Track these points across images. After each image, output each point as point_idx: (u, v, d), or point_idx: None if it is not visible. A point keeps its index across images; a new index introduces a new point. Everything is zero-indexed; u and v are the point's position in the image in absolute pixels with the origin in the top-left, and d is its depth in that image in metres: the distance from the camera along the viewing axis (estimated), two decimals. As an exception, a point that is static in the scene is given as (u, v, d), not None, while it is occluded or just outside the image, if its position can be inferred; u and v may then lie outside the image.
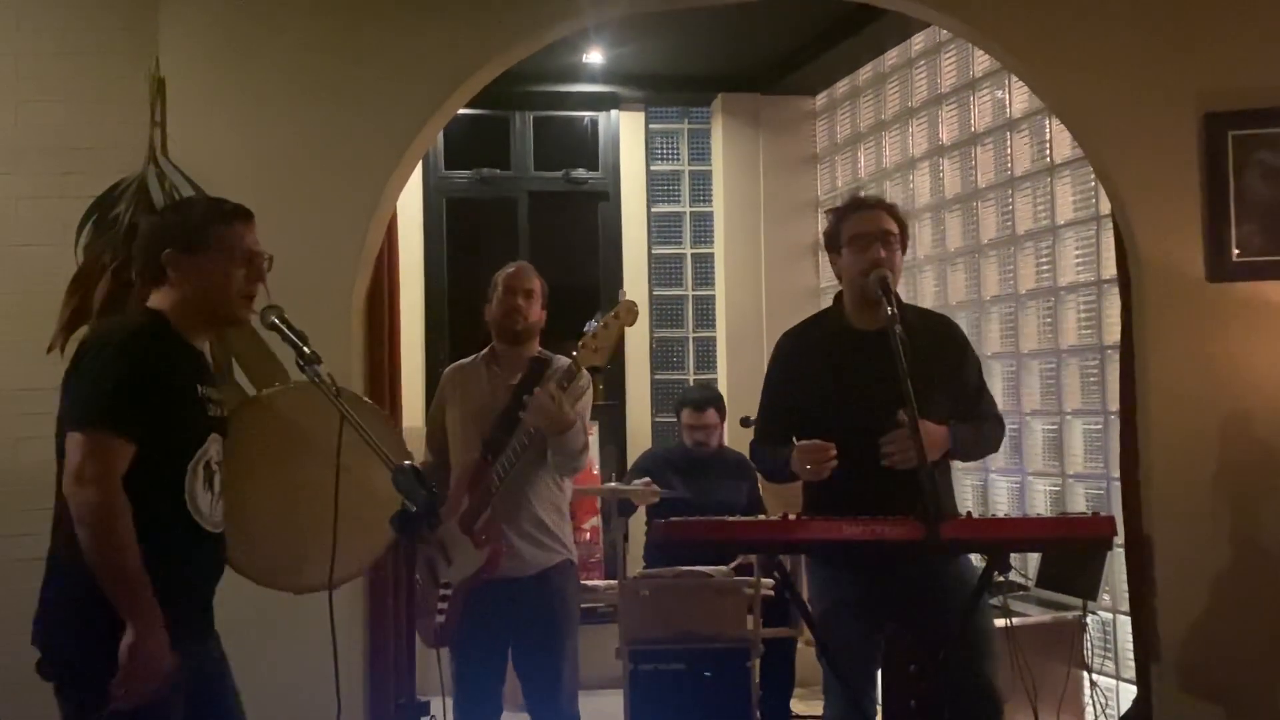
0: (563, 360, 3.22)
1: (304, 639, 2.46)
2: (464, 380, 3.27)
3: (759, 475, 4.81)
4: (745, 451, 4.82)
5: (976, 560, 3.77)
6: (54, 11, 3.79)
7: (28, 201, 3.73)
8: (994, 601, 3.58)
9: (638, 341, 5.81)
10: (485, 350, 3.29)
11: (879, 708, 2.98)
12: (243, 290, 2.25)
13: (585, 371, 3.02)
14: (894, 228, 2.78)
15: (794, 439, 2.75)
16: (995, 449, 2.98)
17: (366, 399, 2.42)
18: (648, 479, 4.45)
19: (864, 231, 2.76)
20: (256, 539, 2.37)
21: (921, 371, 2.53)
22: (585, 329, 3.00)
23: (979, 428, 2.82)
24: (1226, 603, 3.36)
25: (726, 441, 4.90)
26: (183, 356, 2.22)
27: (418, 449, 3.17)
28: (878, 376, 2.59)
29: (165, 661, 2.03)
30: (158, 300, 2.24)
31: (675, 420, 5.01)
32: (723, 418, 4.76)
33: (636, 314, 3.04)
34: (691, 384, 5.72)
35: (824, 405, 2.75)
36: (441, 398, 3.30)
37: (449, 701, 2.76)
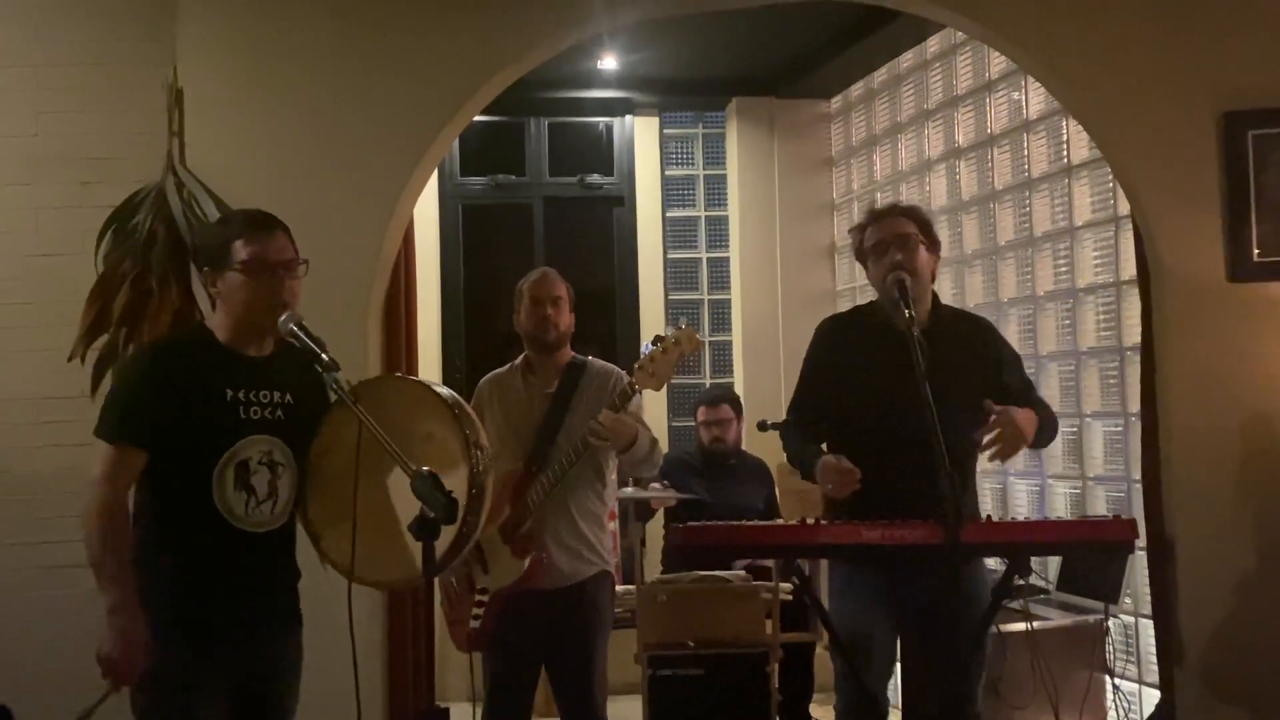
0: (597, 364, 3.23)
1: (323, 643, 2.46)
2: (501, 390, 3.27)
3: (780, 469, 4.83)
4: (764, 452, 4.88)
5: (994, 564, 3.76)
6: (72, 22, 3.81)
7: (47, 211, 3.75)
8: (1014, 605, 3.56)
9: (653, 345, 5.81)
10: (519, 360, 3.30)
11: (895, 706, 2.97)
12: (267, 300, 2.28)
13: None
14: (911, 229, 2.80)
15: (831, 432, 2.77)
16: (1055, 437, 2.98)
17: (443, 390, 2.37)
18: (665, 482, 4.46)
19: (880, 239, 2.80)
20: (342, 530, 2.32)
21: (955, 373, 2.54)
22: (643, 350, 3.01)
23: (1045, 418, 2.82)
24: (1250, 605, 3.34)
25: (744, 445, 4.90)
26: (212, 364, 2.29)
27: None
28: (907, 376, 2.59)
29: (137, 633, 2.17)
30: (215, 313, 2.37)
31: (693, 424, 5.01)
32: (738, 414, 4.78)
33: (698, 344, 3.05)
34: (708, 388, 5.72)
35: (858, 399, 2.77)
36: (478, 407, 3.30)
37: (470, 707, 2.77)
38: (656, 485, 4.51)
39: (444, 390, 2.37)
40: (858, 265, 6.16)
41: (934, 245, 2.85)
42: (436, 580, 3.40)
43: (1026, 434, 2.62)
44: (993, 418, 2.59)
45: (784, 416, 2.98)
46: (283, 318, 2.28)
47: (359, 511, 2.26)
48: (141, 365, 2.35)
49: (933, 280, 2.88)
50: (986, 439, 2.60)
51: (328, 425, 2.35)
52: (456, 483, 2.14)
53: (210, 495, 2.25)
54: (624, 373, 3.16)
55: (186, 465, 2.25)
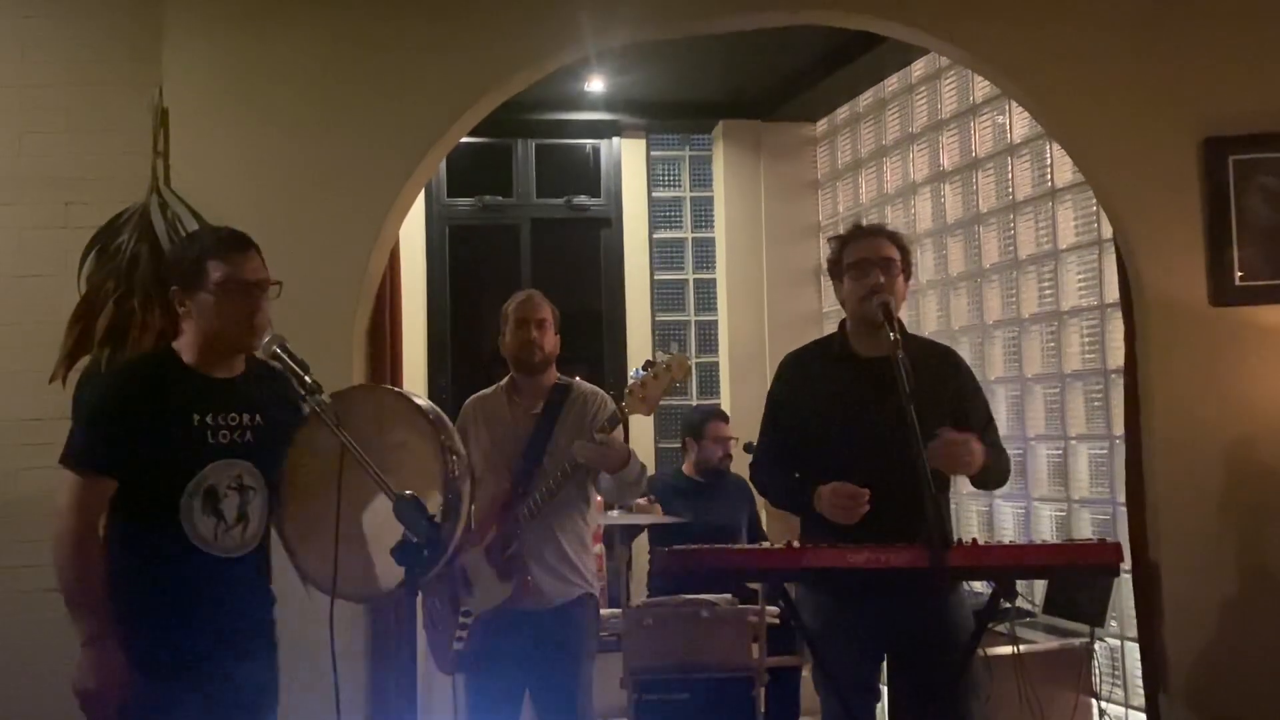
0: (582, 385, 3.23)
1: (304, 665, 2.44)
2: (486, 411, 3.27)
3: (759, 497, 4.82)
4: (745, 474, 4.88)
5: (980, 587, 3.76)
6: (58, 42, 3.80)
7: (30, 231, 3.73)
8: (1000, 628, 3.56)
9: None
10: (505, 381, 3.30)
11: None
12: (242, 320, 2.26)
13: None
14: (894, 254, 2.78)
15: (801, 468, 2.74)
16: (1004, 482, 2.95)
17: (419, 399, 2.39)
18: (652, 496, 4.46)
19: (863, 258, 2.76)
20: (322, 547, 2.30)
21: (925, 401, 2.52)
22: (632, 375, 3.00)
23: (997, 457, 2.80)
24: (1235, 628, 3.34)
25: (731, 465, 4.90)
26: (177, 388, 2.26)
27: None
28: (879, 403, 2.59)
29: (113, 672, 2.15)
30: (183, 334, 2.33)
31: (678, 447, 5.01)
32: None
33: (689, 371, 3.03)
34: (695, 409, 5.71)
35: (825, 431, 2.74)
36: (463, 430, 3.29)
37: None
38: (643, 501, 4.50)
39: (420, 400, 2.37)
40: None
41: (909, 275, 2.82)
42: (419, 601, 3.40)
43: (973, 455, 2.55)
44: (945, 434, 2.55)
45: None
46: (265, 339, 2.26)
47: (336, 526, 2.24)
48: (103, 391, 2.32)
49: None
50: (936, 443, 2.54)
51: (301, 438, 2.33)
52: (430, 491, 2.13)
53: (178, 521, 2.22)
54: (609, 396, 3.16)
55: (154, 492, 2.22)
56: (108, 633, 2.17)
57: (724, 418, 4.84)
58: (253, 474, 2.30)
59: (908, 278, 2.82)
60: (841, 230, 3.09)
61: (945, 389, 2.77)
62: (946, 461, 2.56)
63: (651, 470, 5.55)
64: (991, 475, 2.80)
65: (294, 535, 2.33)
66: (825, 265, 2.93)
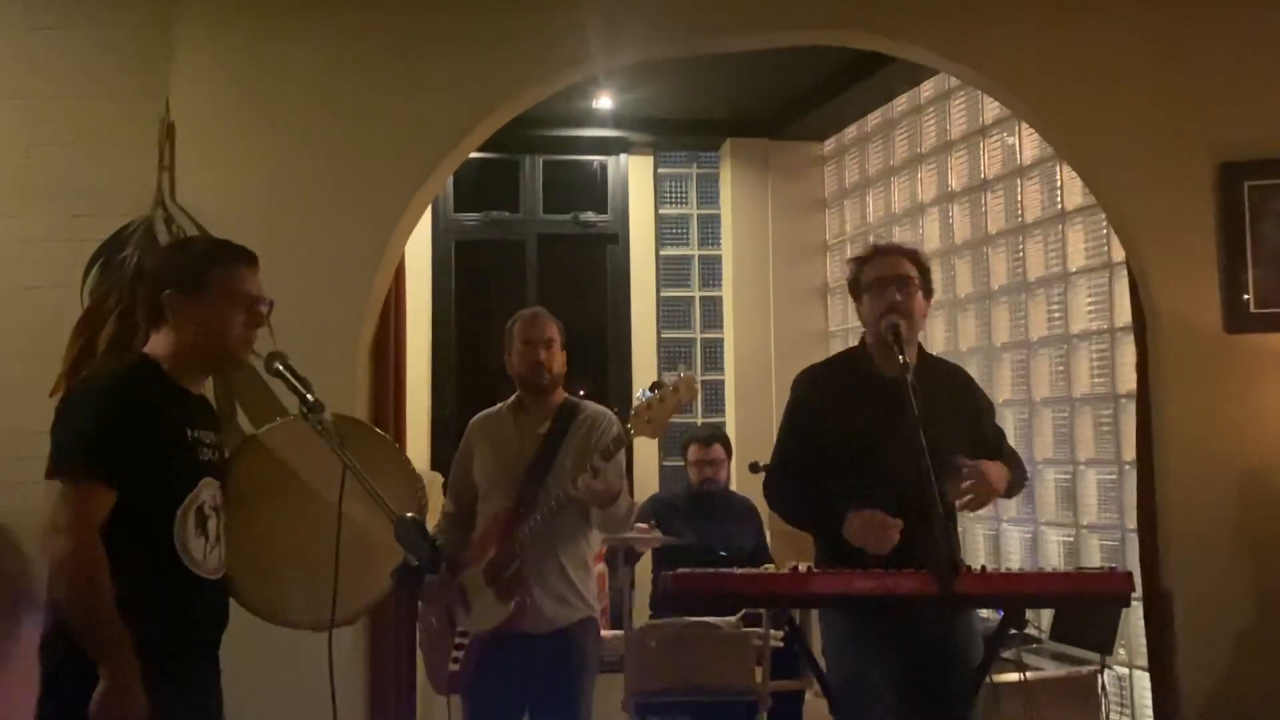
0: (590, 406, 3.19)
1: (302, 688, 2.40)
2: (491, 430, 3.24)
3: (771, 512, 4.77)
4: (755, 493, 4.83)
5: (987, 613, 3.72)
6: (65, 55, 3.80)
7: (35, 243, 3.72)
8: (1008, 655, 3.51)
9: (645, 385, 5.78)
10: (511, 399, 3.26)
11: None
12: (240, 335, 2.21)
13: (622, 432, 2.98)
14: (912, 272, 2.76)
15: (820, 485, 2.71)
16: (1023, 487, 2.98)
17: (378, 430, 2.37)
18: (653, 521, 4.41)
19: (881, 276, 2.76)
20: (261, 575, 2.28)
21: (942, 419, 2.51)
22: (638, 396, 2.95)
23: (1016, 468, 2.82)
24: (1249, 658, 3.29)
25: (734, 486, 4.86)
26: (172, 400, 2.18)
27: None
28: (900, 425, 2.56)
29: (137, 713, 1.98)
30: (155, 342, 2.21)
31: (683, 464, 4.97)
32: (729, 455, 4.74)
33: (696, 393, 3.00)
34: (699, 428, 5.69)
35: (847, 450, 2.71)
36: (468, 447, 3.26)
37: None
38: (643, 526, 4.46)
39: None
40: (850, 306, 6.13)
41: (929, 293, 2.82)
42: (418, 619, 3.36)
43: (997, 488, 2.65)
44: (965, 471, 2.58)
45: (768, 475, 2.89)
46: (266, 355, 2.23)
47: (277, 553, 2.26)
48: (105, 397, 2.11)
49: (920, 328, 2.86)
50: (964, 487, 2.59)
51: (237, 469, 2.29)
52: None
53: (172, 541, 2.10)
54: (616, 417, 3.12)
55: (150, 507, 2.09)
56: (134, 671, 1.97)
57: (705, 440, 4.73)
58: (220, 496, 2.23)
59: (928, 295, 2.82)
60: (857, 250, 3.07)
61: (964, 406, 2.78)
62: (976, 501, 2.60)
63: (655, 488, 5.55)
64: (1014, 487, 2.82)
65: (234, 565, 2.25)
66: (848, 285, 2.94)
